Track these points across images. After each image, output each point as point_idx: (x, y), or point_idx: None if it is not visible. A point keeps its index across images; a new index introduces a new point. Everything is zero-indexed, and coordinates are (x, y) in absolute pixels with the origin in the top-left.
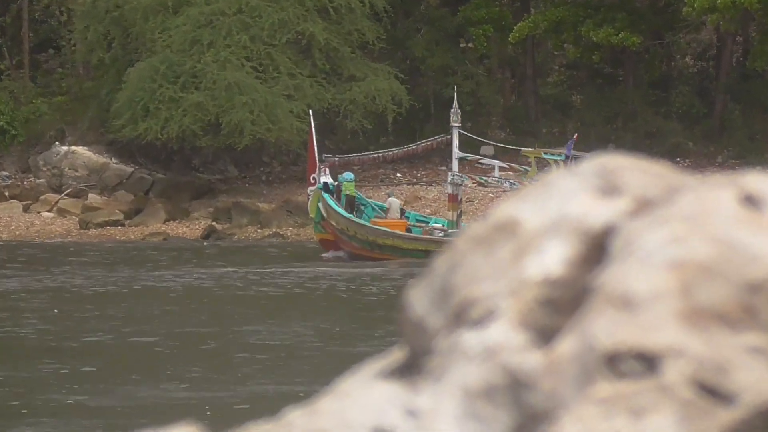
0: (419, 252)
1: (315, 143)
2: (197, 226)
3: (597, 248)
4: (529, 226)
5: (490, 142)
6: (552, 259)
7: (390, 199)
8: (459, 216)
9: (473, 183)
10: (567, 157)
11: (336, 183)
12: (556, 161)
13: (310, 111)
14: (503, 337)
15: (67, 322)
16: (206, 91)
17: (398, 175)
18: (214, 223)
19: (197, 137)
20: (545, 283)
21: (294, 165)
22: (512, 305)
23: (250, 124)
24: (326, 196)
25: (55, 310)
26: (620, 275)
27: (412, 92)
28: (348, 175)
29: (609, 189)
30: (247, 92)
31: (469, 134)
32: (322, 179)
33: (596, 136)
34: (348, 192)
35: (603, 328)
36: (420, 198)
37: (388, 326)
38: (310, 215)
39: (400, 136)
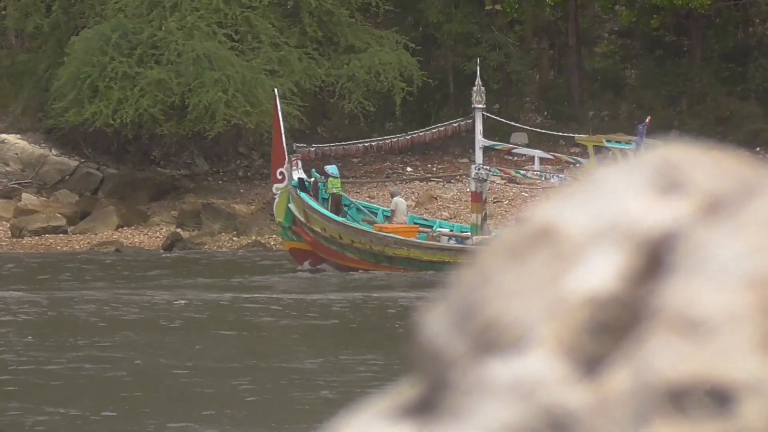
0: (444, 265)
1: (282, 129)
2: (158, 234)
3: (656, 260)
4: (572, 232)
5: (524, 127)
6: (600, 273)
7: (395, 199)
8: (484, 219)
9: (505, 178)
10: (638, 145)
11: (312, 180)
12: (622, 150)
13: (276, 90)
14: (541, 369)
15: None
16: (169, 65)
17: (408, 169)
18: (178, 230)
19: (157, 123)
20: (592, 303)
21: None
22: (552, 330)
23: (224, 107)
24: (304, 195)
25: None
26: (686, 293)
27: (426, 66)
28: (333, 169)
29: (671, 187)
30: (220, 67)
31: (496, 117)
32: (295, 175)
33: (656, 121)
34: (335, 190)
35: (665, 358)
36: (436, 198)
37: (400, 355)
38: (277, 219)
39: (411, 121)
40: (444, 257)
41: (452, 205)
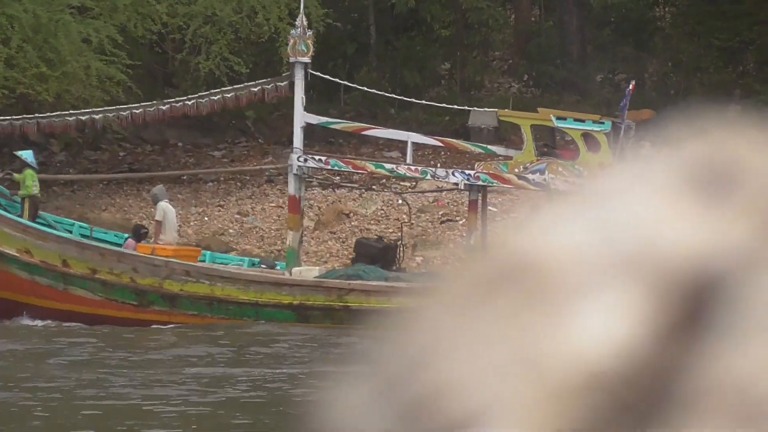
0: (281, 309)
1: None
2: None
3: (696, 308)
4: (566, 265)
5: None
6: (609, 326)
7: (162, 204)
8: (300, 241)
9: (355, 179)
10: (617, 126)
11: None
12: (588, 134)
13: None
14: None
15: None
16: None
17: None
18: None
19: None
20: (593, 370)
21: (107, 146)
22: (526, 410)
23: (3, 68)
24: None
25: None
26: (745, 363)
27: (333, 3)
28: (29, 155)
29: (718, 198)
30: None
31: (325, 76)
32: None
33: (707, 89)
34: (35, 191)
35: None
36: (348, 215)
37: None
38: None
39: (309, 90)
40: (281, 296)
41: (374, 227)
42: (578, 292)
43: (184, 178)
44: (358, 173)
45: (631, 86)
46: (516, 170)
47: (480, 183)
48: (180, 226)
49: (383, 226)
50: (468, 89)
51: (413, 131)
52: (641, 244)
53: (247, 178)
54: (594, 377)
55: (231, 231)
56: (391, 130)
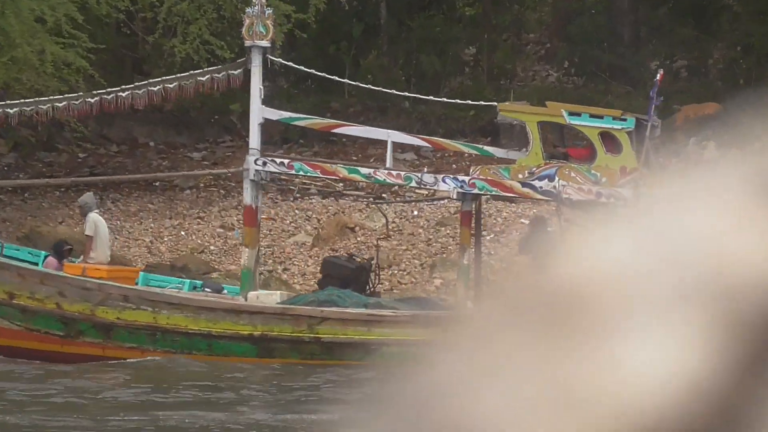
0: (240, 342)
1: None
2: None
3: None
4: (622, 295)
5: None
6: (672, 356)
7: (91, 216)
8: (257, 260)
9: (319, 186)
10: (643, 124)
11: None
12: (606, 133)
13: None
14: None
15: None
16: None
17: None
18: None
19: None
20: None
21: (64, 146)
22: None
23: None
24: None
25: None
26: None
27: None
28: None
29: None
30: None
31: (283, 62)
32: None
33: None
34: None
35: None
36: (353, 229)
37: None
38: None
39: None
40: (239, 325)
41: (384, 243)
42: (635, 321)
43: (157, 184)
44: (327, 179)
45: (659, 76)
46: (520, 176)
47: (476, 191)
48: (151, 241)
49: (395, 242)
50: (497, 78)
51: (431, 127)
52: (708, 265)
53: (233, 184)
54: (654, 417)
55: (212, 248)
56: (366, 128)
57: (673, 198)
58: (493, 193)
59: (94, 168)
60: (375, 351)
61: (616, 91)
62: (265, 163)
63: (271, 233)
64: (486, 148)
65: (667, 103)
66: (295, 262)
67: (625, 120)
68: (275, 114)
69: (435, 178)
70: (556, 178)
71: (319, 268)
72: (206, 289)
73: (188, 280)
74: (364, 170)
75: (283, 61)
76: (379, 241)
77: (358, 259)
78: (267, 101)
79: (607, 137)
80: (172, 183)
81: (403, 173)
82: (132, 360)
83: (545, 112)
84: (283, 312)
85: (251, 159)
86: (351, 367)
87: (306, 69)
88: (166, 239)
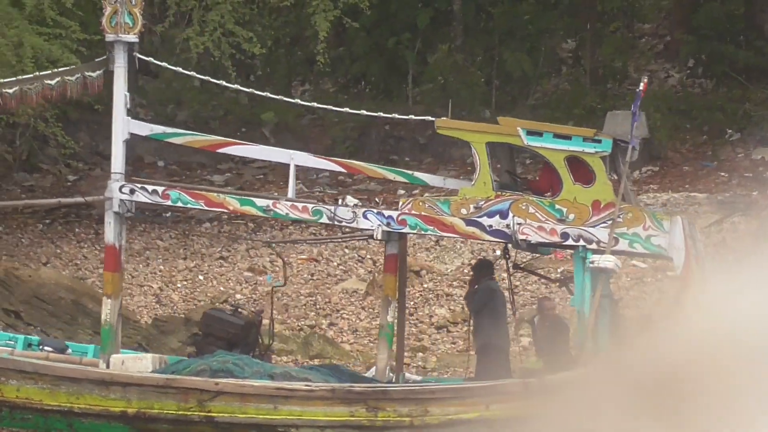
0: (113, 423)
1: None
2: None
3: None
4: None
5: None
6: None
7: None
8: (119, 314)
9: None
10: (624, 145)
11: None
12: (590, 156)
13: None
14: None
15: None
16: None
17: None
18: None
19: None
20: None
21: (48, 165)
22: None
23: None
24: None
25: None
26: None
27: None
28: None
29: None
30: None
31: (152, 60)
32: None
33: None
34: None
35: None
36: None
37: None
38: None
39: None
40: (109, 400)
41: (457, 290)
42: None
43: (168, 215)
44: (213, 211)
45: (642, 84)
46: (464, 210)
47: (406, 230)
48: (161, 288)
49: (537, 291)
50: (603, 80)
51: None
52: None
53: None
54: None
55: (239, 297)
56: (263, 148)
57: None
58: (429, 232)
59: (87, 193)
60: None
61: (755, 98)
62: (132, 191)
63: (314, 278)
64: (417, 174)
65: None
66: (344, 315)
67: (599, 141)
68: (144, 128)
69: (353, 212)
70: (510, 215)
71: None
72: (45, 348)
73: (22, 336)
74: (260, 202)
75: (156, 61)
76: (274, 290)
77: (245, 312)
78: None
79: (576, 163)
80: (187, 214)
81: (310, 206)
82: None
83: (496, 130)
84: (166, 384)
85: (115, 186)
86: None
87: (185, 71)
88: (179, 285)
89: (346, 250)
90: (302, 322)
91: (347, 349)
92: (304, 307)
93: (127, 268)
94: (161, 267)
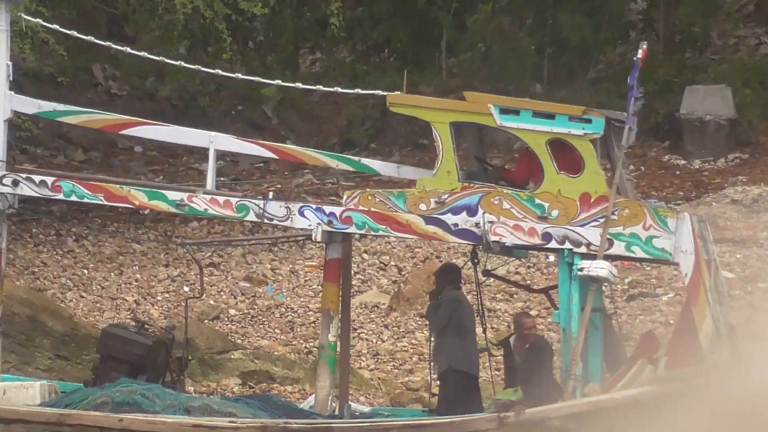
0: None
1: None
2: None
3: None
4: None
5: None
6: None
7: None
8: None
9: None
10: (620, 125)
11: None
12: (577, 140)
13: None
14: None
15: None
16: None
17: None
18: None
19: None
20: None
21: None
22: None
23: None
24: None
25: None
26: None
27: None
28: None
29: None
30: None
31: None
32: None
33: None
34: None
35: None
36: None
37: None
38: None
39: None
40: None
41: (501, 305)
42: None
43: (146, 212)
44: (121, 207)
45: (641, 52)
46: (422, 206)
47: (352, 230)
48: (137, 301)
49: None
50: (680, 47)
51: None
52: None
53: None
54: None
55: (232, 312)
56: (177, 128)
57: None
58: (380, 233)
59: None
60: None
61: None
62: (16, 183)
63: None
64: (364, 161)
65: None
66: (363, 335)
67: (589, 121)
68: (31, 105)
69: (287, 208)
70: (480, 211)
71: (405, 343)
72: None
73: None
74: (173, 195)
75: (43, 23)
76: (188, 301)
77: (152, 330)
78: (314, 78)
79: (560, 148)
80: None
81: (234, 201)
82: None
83: (462, 107)
84: (59, 421)
85: None
86: None
87: (64, 30)
88: (159, 298)
89: (365, 256)
90: (311, 344)
91: (366, 377)
92: (312, 325)
93: (95, 276)
94: (138, 275)
